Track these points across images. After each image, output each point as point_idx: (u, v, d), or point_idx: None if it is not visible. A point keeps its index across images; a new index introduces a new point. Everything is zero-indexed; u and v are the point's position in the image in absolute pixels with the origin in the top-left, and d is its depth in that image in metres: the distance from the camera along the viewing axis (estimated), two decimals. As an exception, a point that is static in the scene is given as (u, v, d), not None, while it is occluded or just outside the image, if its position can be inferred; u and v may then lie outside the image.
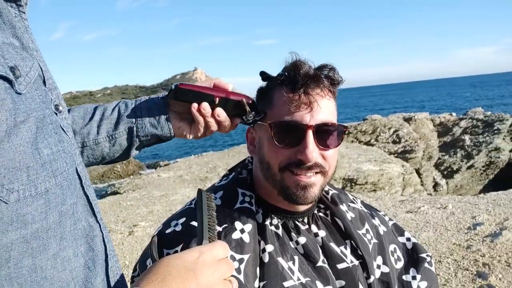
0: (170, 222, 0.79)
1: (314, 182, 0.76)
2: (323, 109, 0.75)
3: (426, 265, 0.88)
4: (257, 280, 0.72)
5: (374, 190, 9.61)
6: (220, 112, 0.79)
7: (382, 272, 0.84)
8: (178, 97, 0.78)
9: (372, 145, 12.65)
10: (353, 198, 0.95)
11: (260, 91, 0.84)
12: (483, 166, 12.32)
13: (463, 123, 13.35)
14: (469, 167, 12.29)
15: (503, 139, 12.63)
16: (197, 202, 0.64)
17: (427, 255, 0.90)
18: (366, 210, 0.93)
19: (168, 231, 0.77)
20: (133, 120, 0.78)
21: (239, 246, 0.74)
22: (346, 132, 0.79)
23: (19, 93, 0.44)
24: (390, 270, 0.85)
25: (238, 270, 0.71)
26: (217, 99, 0.78)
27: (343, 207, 0.89)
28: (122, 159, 0.81)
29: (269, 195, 0.82)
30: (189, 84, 0.79)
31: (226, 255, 0.55)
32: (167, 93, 0.80)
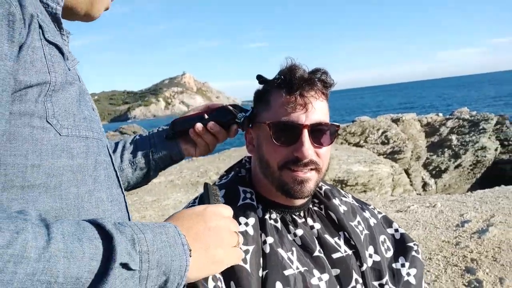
0: None
1: (310, 178, 0.83)
2: (317, 110, 0.82)
3: (413, 253, 0.95)
4: (261, 269, 0.78)
5: (365, 191, 9.72)
6: (212, 125, 0.89)
7: (373, 261, 0.90)
8: (177, 128, 0.91)
9: (361, 146, 12.79)
10: (344, 193, 1.02)
11: (258, 93, 0.90)
12: (470, 165, 12.55)
13: (449, 123, 13.59)
14: (456, 167, 12.51)
15: (489, 138, 12.90)
16: (204, 193, 0.71)
17: (414, 244, 0.97)
18: (357, 204, 1.00)
19: None
20: (148, 146, 0.91)
21: (244, 238, 0.79)
22: (338, 130, 0.86)
23: (69, 69, 0.58)
24: (381, 258, 0.91)
25: (244, 260, 0.77)
26: (205, 114, 0.90)
27: (336, 201, 0.95)
28: (144, 183, 0.94)
29: (267, 191, 0.88)
30: (182, 116, 0.94)
31: (230, 214, 0.64)
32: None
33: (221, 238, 0.58)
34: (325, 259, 0.85)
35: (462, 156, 12.51)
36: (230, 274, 0.75)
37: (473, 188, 11.89)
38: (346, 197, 1.00)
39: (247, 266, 0.77)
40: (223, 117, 0.91)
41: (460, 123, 13.53)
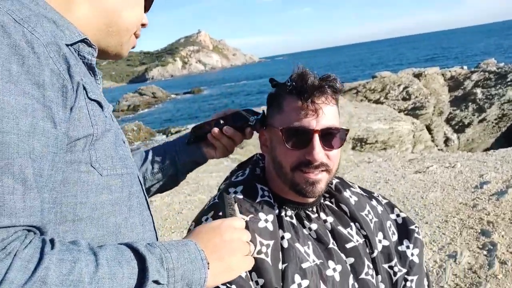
0: (201, 218, 0.91)
1: (321, 179, 0.88)
2: (327, 115, 0.86)
3: (416, 235, 1.03)
4: (280, 262, 0.85)
5: (385, 149, 9.68)
6: (227, 128, 0.98)
7: (383, 246, 0.98)
8: (196, 134, 1.01)
9: (382, 103, 12.55)
10: (351, 184, 1.07)
11: (271, 96, 0.95)
12: (495, 119, 12.20)
13: (474, 76, 13.07)
14: (480, 121, 12.19)
15: (516, 90, 12.40)
16: (220, 203, 0.82)
17: (415, 227, 1.04)
18: (364, 194, 1.06)
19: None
20: (174, 152, 1.02)
21: (265, 233, 0.87)
22: (347, 134, 0.91)
23: (106, 116, 0.68)
24: (389, 243, 0.99)
25: (266, 254, 0.84)
26: (221, 120, 0.99)
27: (347, 194, 1.01)
28: (174, 185, 1.07)
29: (281, 190, 0.93)
30: (201, 123, 1.03)
31: (243, 226, 0.75)
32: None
33: (235, 248, 0.68)
34: (338, 250, 0.92)
35: (487, 110, 12.14)
36: (253, 266, 0.81)
37: (497, 142, 11.63)
38: (354, 188, 1.06)
39: (269, 259, 0.83)
40: (237, 121, 0.98)
41: (486, 75, 12.99)
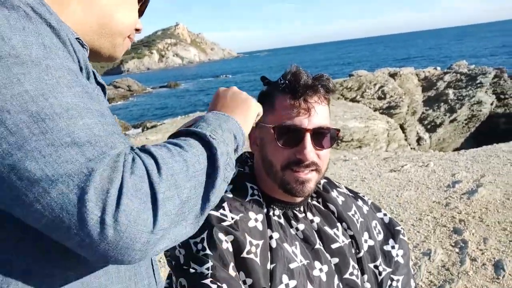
0: None
1: (311, 178, 0.88)
2: (319, 114, 0.86)
3: (401, 236, 1.04)
4: (269, 262, 0.85)
5: (360, 147, 9.86)
6: None
7: (368, 246, 0.99)
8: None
9: (358, 101, 12.76)
10: (338, 184, 1.08)
11: (263, 94, 0.94)
12: (465, 120, 12.64)
13: (447, 77, 13.49)
14: (452, 121, 12.60)
15: (485, 92, 12.87)
16: None
17: (401, 228, 1.06)
18: (351, 194, 1.07)
19: None
20: None
21: (255, 233, 0.86)
22: (338, 134, 0.91)
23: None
24: (375, 242, 1.00)
25: (255, 254, 0.83)
26: None
27: (334, 194, 1.02)
28: None
29: (269, 189, 0.93)
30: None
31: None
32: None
33: (243, 98, 0.76)
34: (324, 251, 0.92)
35: (458, 111, 12.56)
36: (242, 265, 0.82)
37: (467, 142, 12.07)
38: (341, 188, 1.07)
39: (257, 260, 0.83)
40: None
41: (458, 77, 13.42)
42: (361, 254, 0.96)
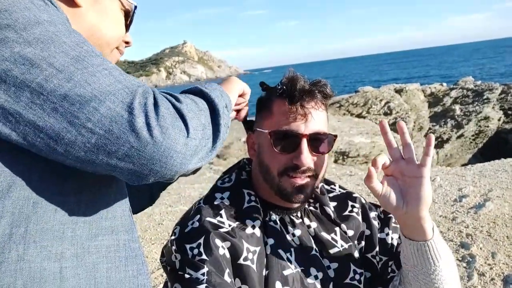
0: (187, 222, 0.87)
1: (308, 184, 0.87)
2: (316, 120, 0.86)
3: (393, 223, 1.00)
4: (264, 268, 0.84)
5: (366, 162, 9.80)
6: None
7: (366, 236, 0.97)
8: None
9: (364, 117, 12.75)
10: (333, 183, 1.06)
11: (261, 99, 0.94)
12: (472, 135, 12.54)
13: (453, 93, 13.46)
14: (459, 137, 12.50)
15: (493, 108, 12.80)
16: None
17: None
18: (344, 191, 1.05)
19: (187, 229, 0.85)
20: None
21: (252, 240, 0.85)
22: (335, 140, 0.90)
23: None
24: (373, 232, 0.97)
25: (252, 261, 0.82)
26: None
27: (330, 195, 1.01)
28: (149, 204, 1.09)
29: (266, 194, 0.92)
30: None
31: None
32: None
33: (228, 78, 0.86)
34: (320, 257, 0.91)
35: (465, 126, 12.48)
36: (238, 272, 0.81)
37: (474, 158, 11.94)
38: (333, 191, 1.04)
39: (254, 266, 0.82)
40: None
41: (464, 93, 13.40)
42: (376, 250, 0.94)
